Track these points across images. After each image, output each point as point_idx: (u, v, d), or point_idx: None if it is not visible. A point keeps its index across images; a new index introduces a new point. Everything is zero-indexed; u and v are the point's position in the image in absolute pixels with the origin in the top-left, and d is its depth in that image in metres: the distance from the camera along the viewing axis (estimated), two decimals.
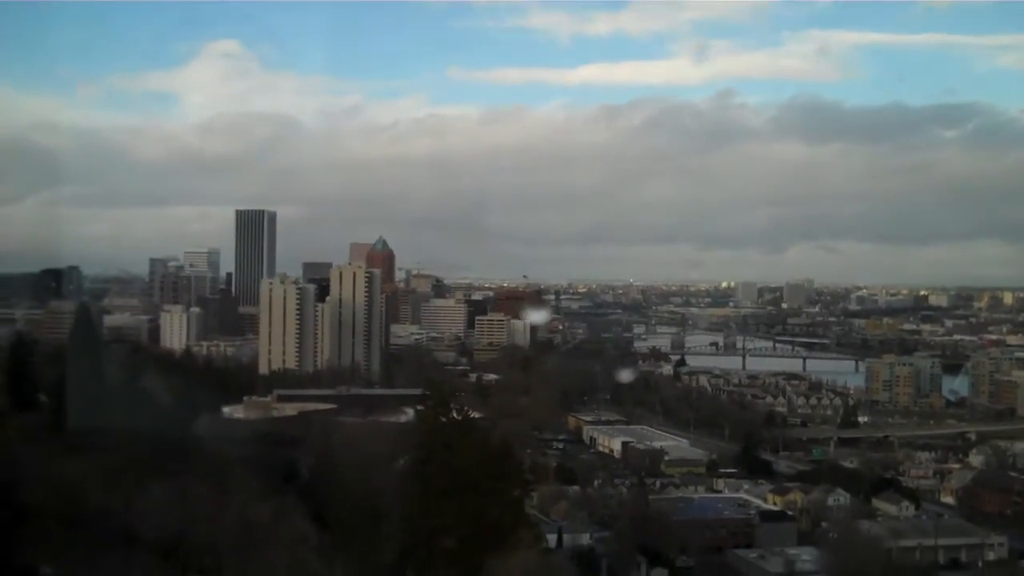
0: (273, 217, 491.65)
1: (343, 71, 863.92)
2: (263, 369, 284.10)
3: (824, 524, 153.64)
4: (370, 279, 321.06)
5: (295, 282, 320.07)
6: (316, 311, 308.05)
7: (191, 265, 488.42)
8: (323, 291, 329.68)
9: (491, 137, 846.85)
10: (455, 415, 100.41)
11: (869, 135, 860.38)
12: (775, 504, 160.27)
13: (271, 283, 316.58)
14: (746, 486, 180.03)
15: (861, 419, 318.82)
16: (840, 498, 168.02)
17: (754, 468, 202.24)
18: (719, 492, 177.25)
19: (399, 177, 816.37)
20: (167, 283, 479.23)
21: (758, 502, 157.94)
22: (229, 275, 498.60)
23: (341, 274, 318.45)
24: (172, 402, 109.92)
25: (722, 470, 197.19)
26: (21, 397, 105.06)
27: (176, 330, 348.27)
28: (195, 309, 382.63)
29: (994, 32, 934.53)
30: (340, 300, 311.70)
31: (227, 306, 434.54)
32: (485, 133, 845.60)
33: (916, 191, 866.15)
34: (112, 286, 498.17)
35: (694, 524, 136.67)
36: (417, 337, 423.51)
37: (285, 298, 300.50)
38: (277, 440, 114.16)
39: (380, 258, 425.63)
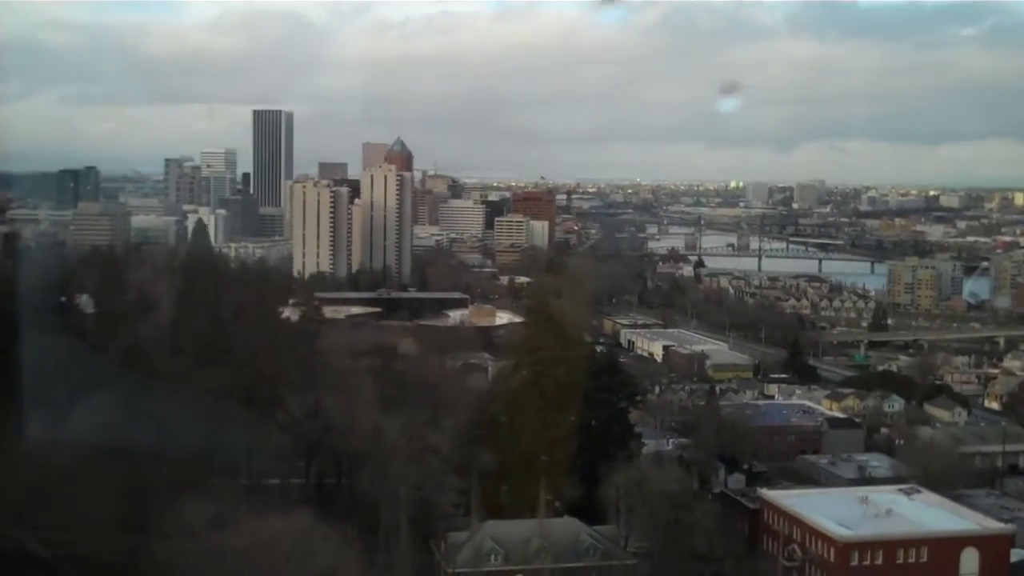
0: (290, 117, 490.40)
1: None
2: (296, 272, 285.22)
3: (884, 430, 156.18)
4: (401, 182, 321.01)
5: (328, 185, 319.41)
6: (348, 214, 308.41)
7: (208, 166, 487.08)
8: (352, 193, 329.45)
9: (502, 35, 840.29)
10: (560, 329, 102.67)
11: (884, 34, 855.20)
12: (831, 410, 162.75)
13: (304, 186, 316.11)
14: (798, 391, 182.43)
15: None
16: (895, 404, 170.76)
17: (801, 373, 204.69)
18: (771, 398, 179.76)
19: (410, 76, 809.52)
20: (184, 184, 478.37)
21: (821, 409, 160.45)
22: (246, 176, 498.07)
23: (372, 177, 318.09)
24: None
25: (772, 375, 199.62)
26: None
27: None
28: (221, 211, 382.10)
29: None
30: (372, 203, 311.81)
31: (249, 207, 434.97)
32: (496, 31, 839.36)
33: (929, 90, 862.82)
34: (127, 186, 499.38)
35: (765, 431, 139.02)
36: (438, 238, 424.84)
37: (319, 201, 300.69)
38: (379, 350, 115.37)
39: (398, 159, 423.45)
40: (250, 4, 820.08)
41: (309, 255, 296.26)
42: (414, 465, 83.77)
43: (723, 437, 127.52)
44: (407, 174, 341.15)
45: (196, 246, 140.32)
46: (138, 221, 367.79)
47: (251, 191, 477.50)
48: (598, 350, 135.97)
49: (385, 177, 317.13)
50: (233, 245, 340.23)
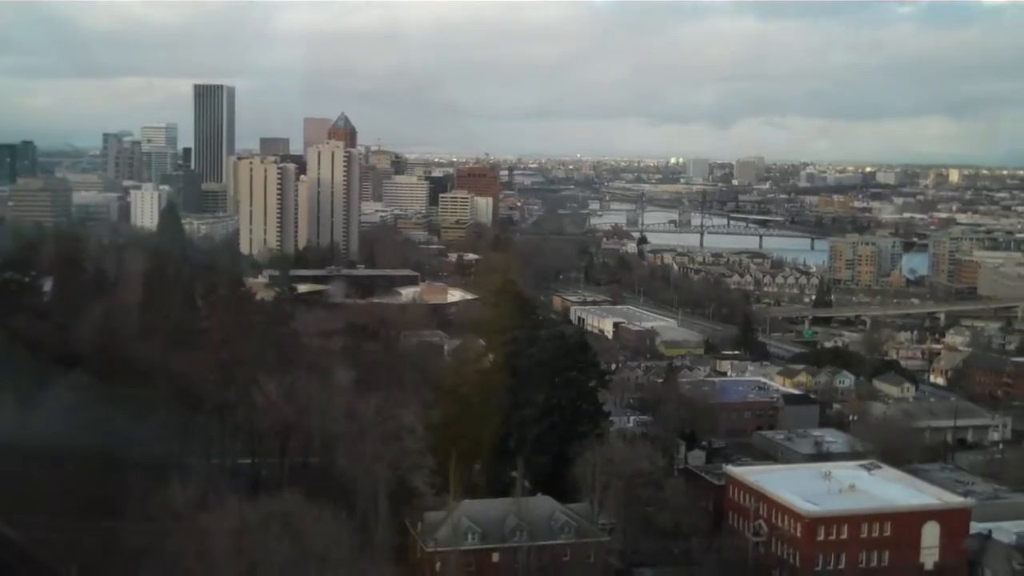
0: (232, 92, 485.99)
1: None
2: (245, 249, 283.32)
3: (836, 406, 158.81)
4: (349, 159, 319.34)
5: (275, 161, 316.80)
6: (295, 191, 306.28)
7: (148, 141, 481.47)
8: (297, 169, 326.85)
9: (445, 10, 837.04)
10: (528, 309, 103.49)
11: (824, 11, 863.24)
12: (784, 386, 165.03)
13: (251, 162, 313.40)
14: (751, 368, 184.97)
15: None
16: (845, 380, 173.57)
17: (752, 350, 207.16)
18: (724, 374, 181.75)
19: (351, 50, 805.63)
20: (123, 159, 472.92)
21: (776, 385, 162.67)
22: (187, 151, 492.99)
23: (320, 153, 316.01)
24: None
25: (724, 352, 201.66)
26: None
27: (147, 208, 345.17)
28: (164, 187, 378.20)
29: None
30: (319, 179, 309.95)
31: (191, 183, 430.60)
32: (439, 5, 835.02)
33: (867, 67, 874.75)
34: (63, 161, 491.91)
35: (723, 407, 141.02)
36: (382, 214, 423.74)
37: (266, 178, 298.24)
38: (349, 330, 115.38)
39: (342, 135, 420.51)
40: None
41: (256, 232, 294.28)
42: (389, 445, 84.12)
43: (683, 414, 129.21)
44: (354, 150, 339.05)
45: (166, 227, 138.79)
46: (79, 197, 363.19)
47: (192, 167, 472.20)
48: (567, 330, 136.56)
49: (333, 153, 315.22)
50: None
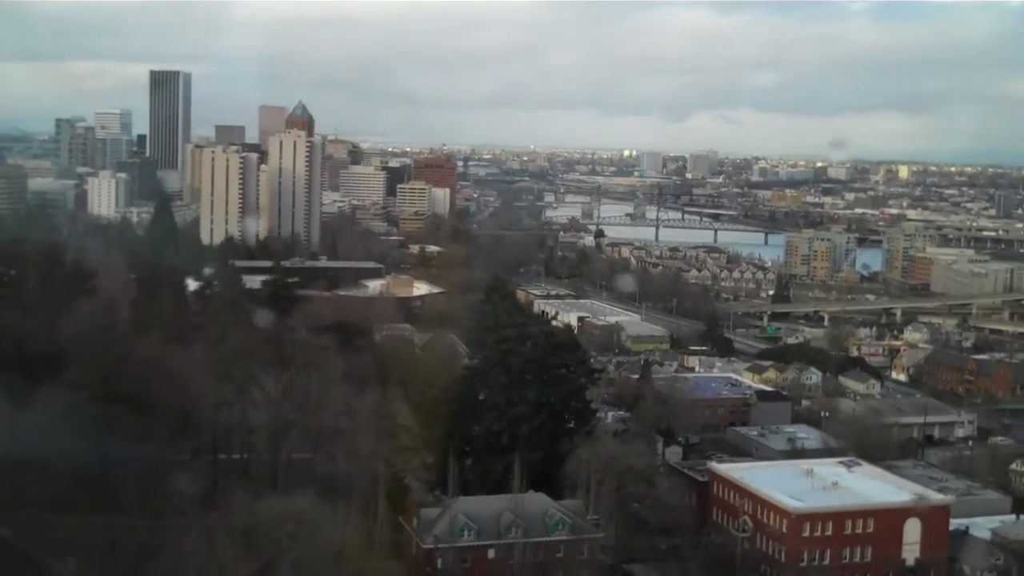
0: (188, 78, 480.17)
1: None
2: (205, 239, 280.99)
3: (805, 402, 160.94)
4: (311, 148, 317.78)
5: (237, 150, 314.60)
6: (257, 180, 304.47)
7: (103, 127, 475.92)
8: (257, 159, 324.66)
9: None
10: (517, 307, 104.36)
11: (779, 6, 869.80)
12: (754, 382, 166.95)
13: (213, 152, 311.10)
14: (718, 363, 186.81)
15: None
16: (812, 376, 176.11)
17: (718, 345, 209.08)
18: (692, 370, 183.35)
19: (306, 37, 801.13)
20: (76, 145, 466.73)
21: (748, 381, 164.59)
22: (141, 137, 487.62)
23: (281, 142, 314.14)
24: None
25: (692, 348, 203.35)
26: None
27: (104, 196, 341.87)
28: (122, 175, 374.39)
29: None
30: (280, 169, 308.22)
31: (146, 171, 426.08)
32: None
33: (818, 62, 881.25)
34: (13, 146, 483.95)
35: (697, 403, 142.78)
36: (340, 205, 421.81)
37: (228, 167, 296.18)
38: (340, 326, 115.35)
39: (300, 123, 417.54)
40: None
41: (217, 222, 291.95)
42: (385, 441, 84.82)
43: (660, 410, 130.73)
44: (315, 140, 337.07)
45: (158, 223, 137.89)
46: (33, 184, 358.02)
47: (147, 154, 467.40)
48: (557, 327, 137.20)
49: (294, 143, 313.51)
50: (135, 210, 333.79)
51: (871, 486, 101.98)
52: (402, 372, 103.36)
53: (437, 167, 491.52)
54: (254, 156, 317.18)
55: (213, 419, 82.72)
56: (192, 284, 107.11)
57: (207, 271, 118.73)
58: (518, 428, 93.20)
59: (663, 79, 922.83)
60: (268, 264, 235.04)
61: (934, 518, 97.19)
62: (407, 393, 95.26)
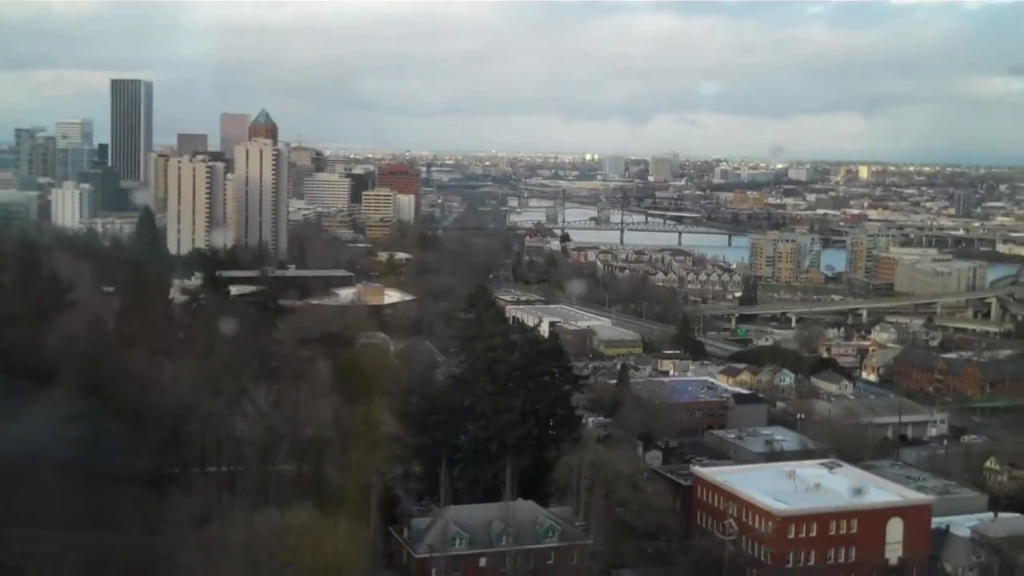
0: (150, 87, 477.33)
1: None
2: (173, 249, 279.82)
3: (780, 404, 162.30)
4: (277, 157, 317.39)
5: (203, 160, 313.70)
6: (224, 190, 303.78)
7: (64, 136, 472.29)
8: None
9: (363, 3, 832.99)
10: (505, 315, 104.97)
11: (740, 10, 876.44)
12: (728, 385, 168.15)
13: (179, 161, 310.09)
14: (692, 367, 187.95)
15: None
16: (786, 378, 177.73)
17: (691, 349, 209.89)
18: (666, 373, 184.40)
19: (267, 44, 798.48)
20: (37, 155, 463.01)
21: (724, 384, 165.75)
22: (103, 147, 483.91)
23: (247, 151, 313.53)
24: None
25: (665, 351, 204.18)
26: None
27: (68, 207, 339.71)
28: (85, 185, 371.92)
29: None
30: (247, 178, 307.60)
31: (109, 181, 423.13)
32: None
33: (779, 65, 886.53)
34: None
35: (676, 407, 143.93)
36: (305, 213, 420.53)
37: (195, 176, 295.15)
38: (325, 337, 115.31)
39: (263, 131, 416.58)
40: None
41: (184, 232, 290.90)
42: (375, 451, 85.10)
43: (639, 415, 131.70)
44: (282, 148, 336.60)
45: (142, 233, 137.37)
46: None
47: (109, 163, 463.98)
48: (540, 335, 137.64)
49: (261, 151, 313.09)
50: (100, 220, 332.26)
51: (852, 487, 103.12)
52: (387, 381, 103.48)
53: (401, 173, 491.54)
54: (221, 165, 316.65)
55: (202, 432, 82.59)
56: (178, 295, 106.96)
57: (191, 282, 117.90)
58: (506, 436, 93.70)
59: (624, 82, 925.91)
60: (247, 274, 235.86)
61: (916, 517, 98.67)
62: (393, 403, 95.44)
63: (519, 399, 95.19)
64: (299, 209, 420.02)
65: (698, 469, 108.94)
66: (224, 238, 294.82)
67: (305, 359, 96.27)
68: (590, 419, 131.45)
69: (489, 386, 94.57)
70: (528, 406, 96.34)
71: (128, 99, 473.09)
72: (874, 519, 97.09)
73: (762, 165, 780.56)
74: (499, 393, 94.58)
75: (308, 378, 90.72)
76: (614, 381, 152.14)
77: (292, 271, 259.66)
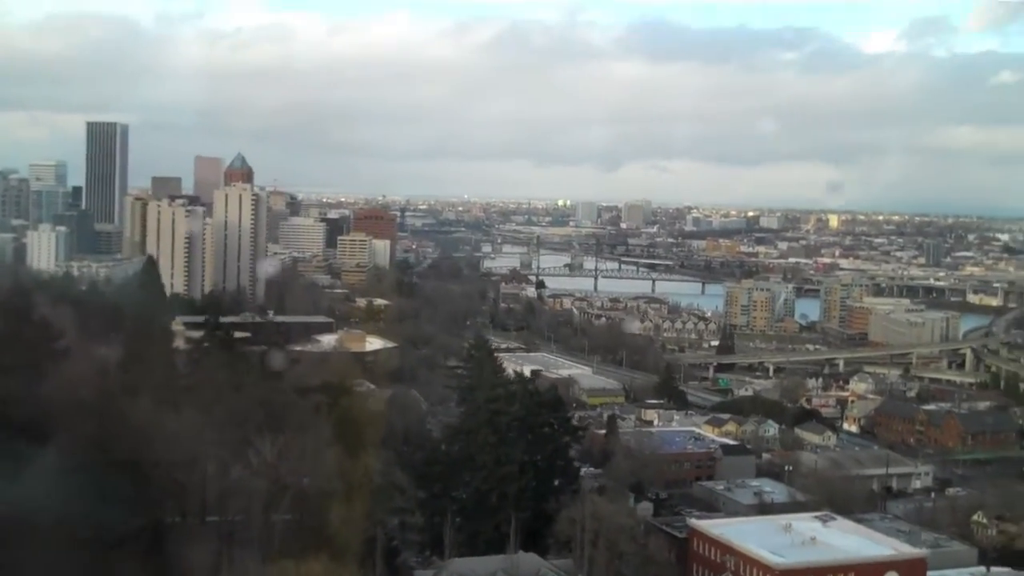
0: (126, 130, 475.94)
1: None
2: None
3: (766, 455, 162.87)
4: (256, 202, 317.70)
5: (183, 204, 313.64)
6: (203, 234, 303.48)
7: (38, 178, 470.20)
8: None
9: (336, 48, 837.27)
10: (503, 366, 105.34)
11: (712, 57, 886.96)
12: (714, 435, 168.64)
13: (159, 205, 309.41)
14: (677, 417, 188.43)
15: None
16: (770, 429, 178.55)
17: (674, 398, 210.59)
18: (650, 423, 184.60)
19: (242, 87, 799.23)
20: (10, 197, 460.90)
21: (711, 436, 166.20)
22: (77, 189, 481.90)
23: (227, 196, 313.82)
24: None
25: (649, 401, 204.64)
26: None
27: (44, 250, 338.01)
28: (61, 228, 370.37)
29: None
30: (226, 222, 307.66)
31: (84, 224, 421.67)
32: (330, 44, 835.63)
33: (750, 112, 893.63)
34: None
35: (665, 458, 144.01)
36: (281, 257, 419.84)
37: (174, 220, 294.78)
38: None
39: (239, 175, 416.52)
40: (76, 8, 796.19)
41: (163, 276, 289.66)
42: (378, 502, 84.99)
43: (629, 465, 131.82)
44: (261, 193, 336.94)
45: (145, 282, 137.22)
46: None
47: (84, 206, 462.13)
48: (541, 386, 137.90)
49: (240, 196, 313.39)
50: (75, 264, 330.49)
51: (848, 540, 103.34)
52: (384, 431, 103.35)
53: (377, 218, 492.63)
54: (200, 210, 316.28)
55: (204, 481, 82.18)
56: (180, 342, 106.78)
57: (193, 332, 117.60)
58: (506, 487, 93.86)
59: (596, 128, 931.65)
60: (233, 320, 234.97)
61: (911, 572, 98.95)
62: (392, 453, 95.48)
63: (519, 450, 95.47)
64: (275, 254, 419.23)
65: (694, 521, 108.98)
66: (202, 282, 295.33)
67: (306, 408, 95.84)
68: (582, 470, 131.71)
69: (490, 437, 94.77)
70: (528, 457, 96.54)
71: (103, 142, 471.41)
72: (871, 573, 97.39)
73: (733, 213, 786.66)
74: (500, 444, 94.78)
75: (310, 427, 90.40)
76: (602, 431, 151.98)
77: (273, 317, 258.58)
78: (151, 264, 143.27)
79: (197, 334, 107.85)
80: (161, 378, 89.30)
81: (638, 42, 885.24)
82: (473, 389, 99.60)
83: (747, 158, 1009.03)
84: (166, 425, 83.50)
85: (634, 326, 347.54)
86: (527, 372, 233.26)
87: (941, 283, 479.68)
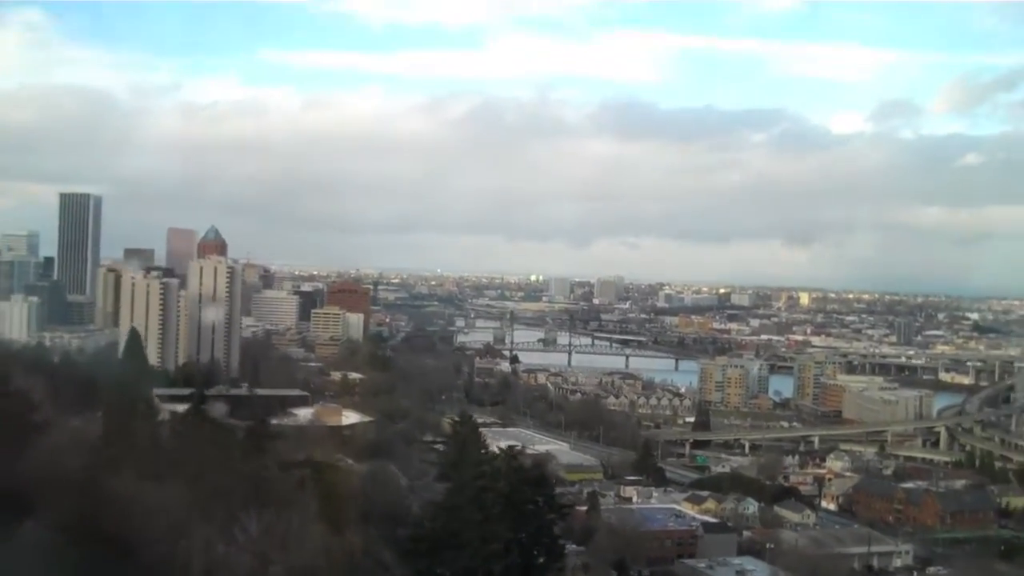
0: (99, 201, 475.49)
1: (152, 47, 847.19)
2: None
3: (746, 533, 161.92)
4: (232, 274, 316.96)
5: (157, 276, 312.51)
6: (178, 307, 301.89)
7: (10, 249, 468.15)
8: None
9: (310, 122, 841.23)
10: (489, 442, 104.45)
11: (681, 135, 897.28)
12: (693, 512, 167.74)
13: (134, 277, 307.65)
14: (656, 494, 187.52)
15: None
16: (750, 507, 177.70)
17: (653, 475, 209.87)
18: (629, 500, 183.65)
19: (216, 159, 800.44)
20: None
21: (692, 513, 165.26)
22: (49, 260, 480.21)
23: (202, 269, 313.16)
24: None
25: (628, 478, 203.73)
26: None
27: (17, 320, 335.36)
28: (33, 298, 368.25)
29: (803, 40, 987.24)
30: (200, 295, 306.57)
31: (56, 294, 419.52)
32: (304, 118, 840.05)
33: (720, 191, 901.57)
34: None
35: (647, 536, 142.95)
36: (254, 329, 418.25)
37: (148, 292, 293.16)
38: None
39: (213, 247, 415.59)
40: (47, 80, 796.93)
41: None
42: None
43: (612, 543, 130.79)
44: (236, 266, 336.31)
45: (130, 355, 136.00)
46: None
47: (56, 276, 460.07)
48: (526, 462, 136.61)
49: (215, 268, 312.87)
50: (47, 335, 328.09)
51: None
52: (368, 507, 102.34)
53: (351, 292, 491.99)
54: (175, 282, 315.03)
55: (190, 557, 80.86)
56: (164, 415, 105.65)
57: (174, 404, 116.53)
58: (492, 566, 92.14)
59: (568, 204, 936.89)
60: (187, 392, 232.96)
61: None
62: (376, 530, 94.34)
63: (504, 528, 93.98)
64: (248, 326, 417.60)
65: None
66: (176, 355, 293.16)
67: (290, 483, 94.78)
68: (566, 547, 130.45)
69: (476, 514, 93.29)
70: (513, 535, 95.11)
71: (77, 212, 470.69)
72: None
73: (705, 289, 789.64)
74: (485, 522, 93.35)
75: (295, 503, 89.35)
76: (584, 508, 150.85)
77: (248, 390, 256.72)
78: (135, 337, 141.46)
79: (179, 407, 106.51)
80: (145, 451, 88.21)
81: (609, 120, 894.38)
82: (456, 465, 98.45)
83: (718, 235, 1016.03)
84: (150, 499, 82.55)
85: (609, 401, 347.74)
86: (504, 447, 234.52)
87: (913, 361, 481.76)
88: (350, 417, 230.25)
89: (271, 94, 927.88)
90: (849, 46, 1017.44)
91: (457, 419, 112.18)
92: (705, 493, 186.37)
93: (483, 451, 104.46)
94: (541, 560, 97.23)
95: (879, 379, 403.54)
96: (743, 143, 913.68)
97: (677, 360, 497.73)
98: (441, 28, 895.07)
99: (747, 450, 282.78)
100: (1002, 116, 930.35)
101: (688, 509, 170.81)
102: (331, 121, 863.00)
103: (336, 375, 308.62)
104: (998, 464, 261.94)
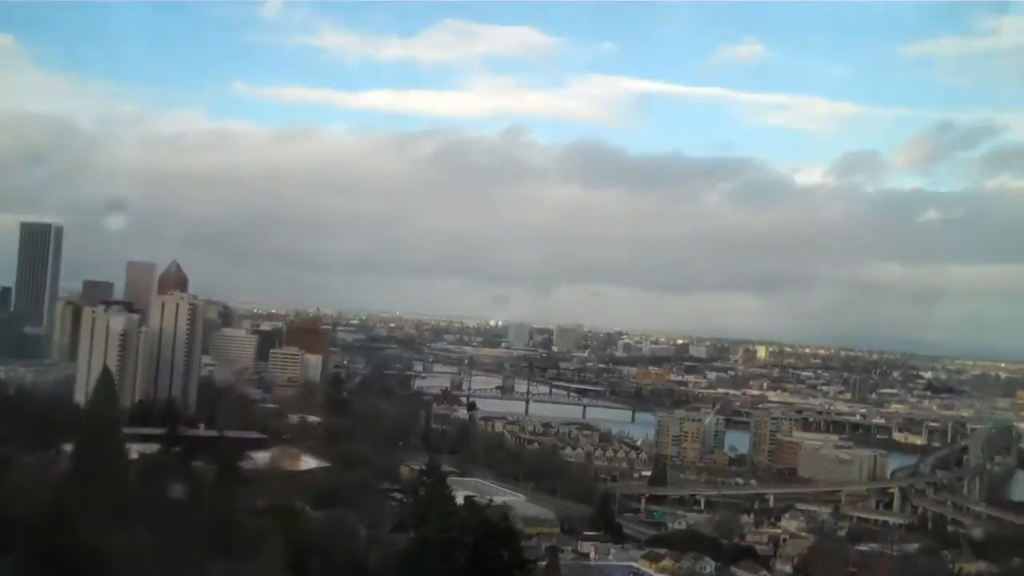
0: (60, 232, 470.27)
1: (123, 77, 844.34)
2: (80, 401, 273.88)
3: None
4: (193, 311, 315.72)
5: (119, 311, 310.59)
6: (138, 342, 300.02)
7: None
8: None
9: (277, 157, 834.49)
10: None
11: (646, 182, 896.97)
12: (652, 571, 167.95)
13: (93, 311, 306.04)
14: (613, 550, 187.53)
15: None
16: (707, 566, 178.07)
17: (608, 530, 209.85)
18: (586, 556, 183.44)
19: (178, 192, 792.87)
20: None
21: (648, 571, 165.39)
22: (6, 290, 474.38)
23: (164, 304, 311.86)
24: None
25: (586, 533, 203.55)
26: None
27: None
28: None
29: (770, 91, 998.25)
30: (161, 331, 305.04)
31: (12, 326, 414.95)
32: (272, 153, 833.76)
33: (681, 240, 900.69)
34: None
35: None
36: (211, 368, 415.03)
37: (108, 328, 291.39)
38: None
39: (174, 282, 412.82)
40: (10, 105, 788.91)
41: (93, 384, 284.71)
42: None
43: None
44: (199, 303, 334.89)
45: (101, 396, 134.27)
46: None
47: (11, 308, 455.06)
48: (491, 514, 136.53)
49: (177, 305, 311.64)
50: (2, 368, 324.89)
51: None
52: (331, 555, 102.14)
53: (311, 332, 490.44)
54: (136, 317, 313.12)
55: None
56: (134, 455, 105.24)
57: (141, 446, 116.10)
58: None
59: (530, 249, 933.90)
60: (145, 431, 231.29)
61: None
62: None
63: None
64: (206, 364, 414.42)
65: None
66: (133, 392, 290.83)
67: (254, 530, 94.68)
68: None
69: (440, 568, 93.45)
70: None
71: (37, 243, 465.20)
72: None
73: (663, 339, 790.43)
74: (449, 574, 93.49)
75: (260, 551, 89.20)
76: (543, 563, 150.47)
77: (203, 431, 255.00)
78: (107, 376, 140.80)
79: (143, 447, 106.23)
80: (116, 492, 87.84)
81: (575, 164, 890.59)
82: (422, 516, 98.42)
83: (678, 285, 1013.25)
84: (118, 542, 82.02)
85: (565, 452, 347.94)
86: (460, 499, 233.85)
87: (867, 420, 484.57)
88: (308, 462, 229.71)
89: (240, 128, 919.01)
90: (813, 100, 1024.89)
91: (424, 468, 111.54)
92: (663, 551, 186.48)
93: (450, 503, 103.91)
94: None
95: (834, 437, 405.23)
96: (708, 191, 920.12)
97: (634, 412, 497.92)
98: (415, 65, 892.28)
99: (703, 506, 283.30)
100: (962, 173, 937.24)
101: (646, 567, 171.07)
102: (298, 157, 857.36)
103: (294, 418, 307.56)
104: (950, 528, 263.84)
